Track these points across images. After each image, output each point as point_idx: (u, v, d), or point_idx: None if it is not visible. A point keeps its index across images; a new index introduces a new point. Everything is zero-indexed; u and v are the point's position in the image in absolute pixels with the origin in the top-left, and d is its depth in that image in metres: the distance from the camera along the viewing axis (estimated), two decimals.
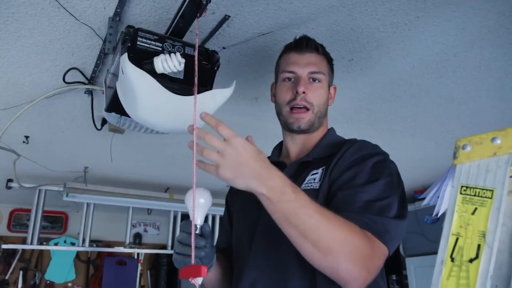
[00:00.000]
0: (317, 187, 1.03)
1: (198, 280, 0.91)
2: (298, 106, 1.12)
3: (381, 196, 0.96)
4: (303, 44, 1.15)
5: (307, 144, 1.18)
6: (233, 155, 0.83)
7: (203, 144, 0.87)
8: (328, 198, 1.00)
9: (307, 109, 1.12)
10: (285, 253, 0.98)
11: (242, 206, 1.20)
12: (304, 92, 1.11)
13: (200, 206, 0.94)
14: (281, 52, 1.22)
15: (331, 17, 1.30)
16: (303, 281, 0.96)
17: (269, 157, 1.25)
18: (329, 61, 1.20)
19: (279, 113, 1.19)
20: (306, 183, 1.06)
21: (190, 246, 0.90)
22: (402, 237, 0.99)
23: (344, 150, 1.07)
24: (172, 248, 3.47)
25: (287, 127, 1.17)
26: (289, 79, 1.15)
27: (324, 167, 1.07)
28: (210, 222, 3.39)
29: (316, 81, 1.14)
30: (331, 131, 1.22)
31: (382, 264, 0.92)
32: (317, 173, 1.07)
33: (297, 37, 1.19)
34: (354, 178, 0.99)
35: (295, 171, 1.13)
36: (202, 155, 0.85)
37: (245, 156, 0.84)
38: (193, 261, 0.90)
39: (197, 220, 0.94)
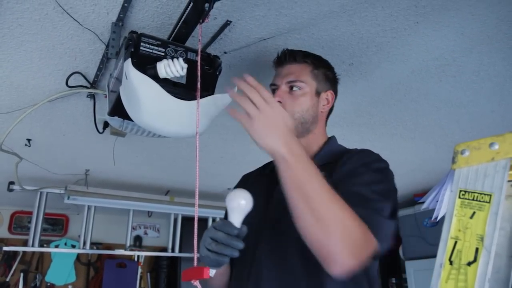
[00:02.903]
0: None
1: (212, 273, 0.94)
2: None
3: (380, 197, 1.00)
4: (282, 57, 1.22)
5: (307, 151, 1.20)
6: (270, 114, 0.90)
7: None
8: None
9: None
10: (291, 255, 1.05)
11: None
12: (280, 102, 1.14)
13: (240, 208, 0.95)
14: None
15: (332, 23, 1.31)
16: (311, 282, 1.01)
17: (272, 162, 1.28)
18: (316, 67, 1.21)
19: None
20: None
21: (226, 245, 0.93)
22: (391, 240, 1.03)
23: (347, 157, 1.11)
24: (172, 251, 3.49)
25: None
26: (273, 91, 1.21)
27: (325, 173, 1.10)
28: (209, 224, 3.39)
29: (296, 89, 1.17)
30: (332, 139, 1.25)
31: (370, 259, 0.94)
32: None
33: (279, 53, 1.24)
34: (358, 176, 1.04)
35: None
36: (242, 104, 0.91)
37: (279, 119, 0.91)
38: (195, 263, 0.91)
39: (235, 222, 0.95)
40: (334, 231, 0.86)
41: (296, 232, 1.03)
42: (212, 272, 0.96)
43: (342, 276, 0.89)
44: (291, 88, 1.17)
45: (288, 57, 1.21)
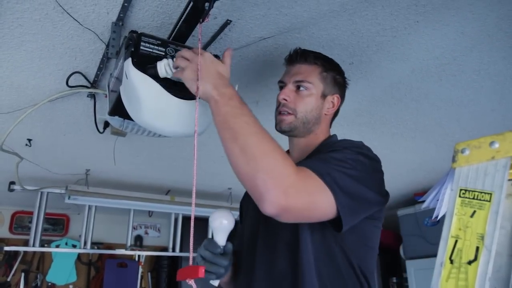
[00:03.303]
0: None
1: (215, 283, 1.04)
2: (282, 112, 1.19)
3: (338, 161, 0.96)
4: (293, 56, 1.23)
5: (307, 150, 1.21)
6: (200, 62, 0.99)
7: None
8: None
9: (290, 114, 1.18)
10: (279, 254, 1.08)
11: (248, 214, 1.26)
12: (285, 100, 1.18)
13: (223, 228, 1.04)
14: None
15: (332, 22, 1.31)
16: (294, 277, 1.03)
17: None
18: (326, 70, 1.21)
19: None
20: None
21: (214, 263, 1.03)
22: (366, 207, 1.00)
23: (324, 145, 1.16)
24: (173, 250, 3.50)
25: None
26: (281, 88, 1.22)
27: None
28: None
29: (303, 89, 1.18)
30: (332, 137, 1.25)
31: (318, 205, 0.90)
32: None
33: (291, 51, 1.24)
34: (322, 154, 1.04)
35: None
36: (175, 62, 1.03)
37: (210, 66, 1.00)
38: (190, 262, 0.92)
39: (220, 240, 1.04)
40: (262, 165, 0.85)
41: (284, 233, 1.05)
42: (215, 282, 1.05)
43: (278, 216, 0.85)
44: (298, 87, 1.18)
45: (299, 56, 1.21)
